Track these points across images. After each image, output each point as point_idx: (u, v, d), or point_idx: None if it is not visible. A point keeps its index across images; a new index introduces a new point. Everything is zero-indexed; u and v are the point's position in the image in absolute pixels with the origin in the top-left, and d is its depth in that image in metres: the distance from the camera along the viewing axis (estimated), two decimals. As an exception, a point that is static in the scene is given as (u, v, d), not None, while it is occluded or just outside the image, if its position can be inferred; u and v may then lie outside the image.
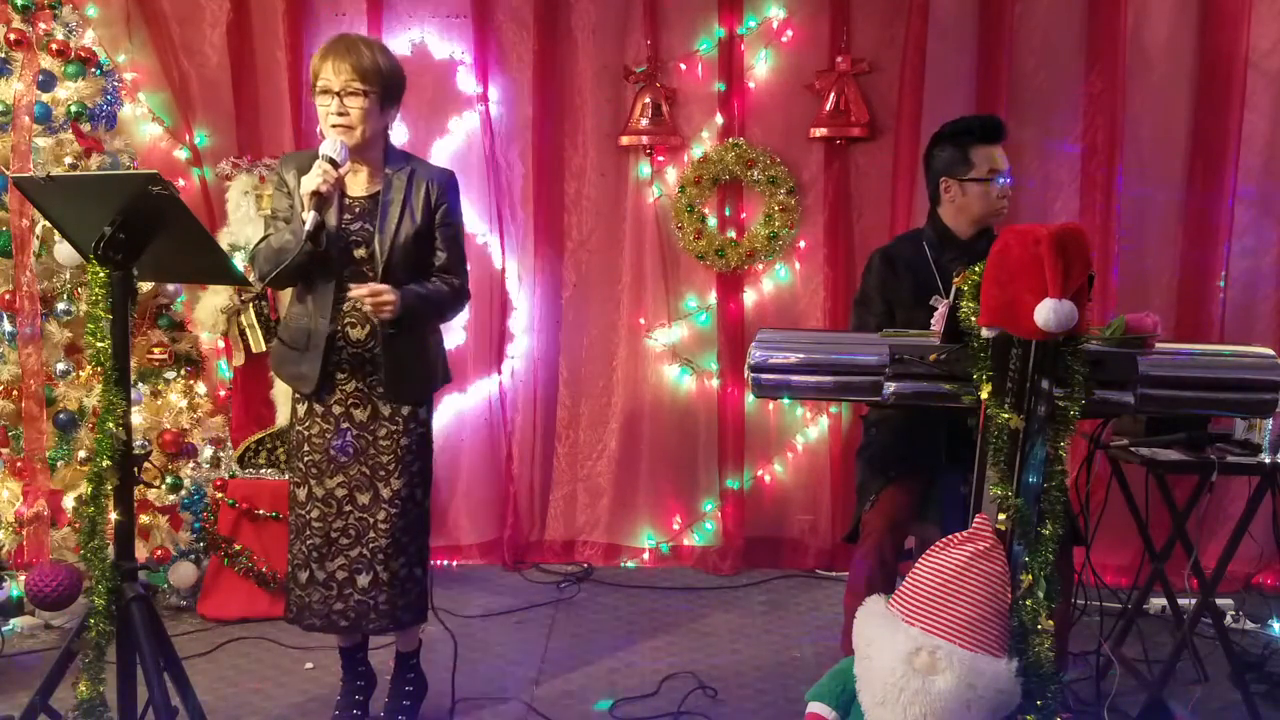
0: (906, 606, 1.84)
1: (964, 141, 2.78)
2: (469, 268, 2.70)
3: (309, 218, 2.34)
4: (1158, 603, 3.52)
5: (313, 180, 2.35)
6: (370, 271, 2.51)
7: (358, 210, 2.53)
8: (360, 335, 2.53)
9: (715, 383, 4.19)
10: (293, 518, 2.66)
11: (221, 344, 3.89)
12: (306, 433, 2.62)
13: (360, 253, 2.50)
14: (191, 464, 3.73)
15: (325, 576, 2.59)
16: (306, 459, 2.61)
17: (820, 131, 4.04)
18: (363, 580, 2.58)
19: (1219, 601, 3.34)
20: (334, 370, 2.56)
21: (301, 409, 2.63)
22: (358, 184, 2.56)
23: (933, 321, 2.12)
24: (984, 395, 1.87)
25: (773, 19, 4.05)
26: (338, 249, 2.50)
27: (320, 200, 2.35)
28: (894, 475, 2.71)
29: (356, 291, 2.42)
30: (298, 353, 2.57)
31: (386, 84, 2.46)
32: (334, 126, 2.43)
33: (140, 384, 3.62)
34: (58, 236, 2.26)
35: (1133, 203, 4.00)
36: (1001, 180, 2.78)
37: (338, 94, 2.42)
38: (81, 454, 3.46)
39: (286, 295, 3.68)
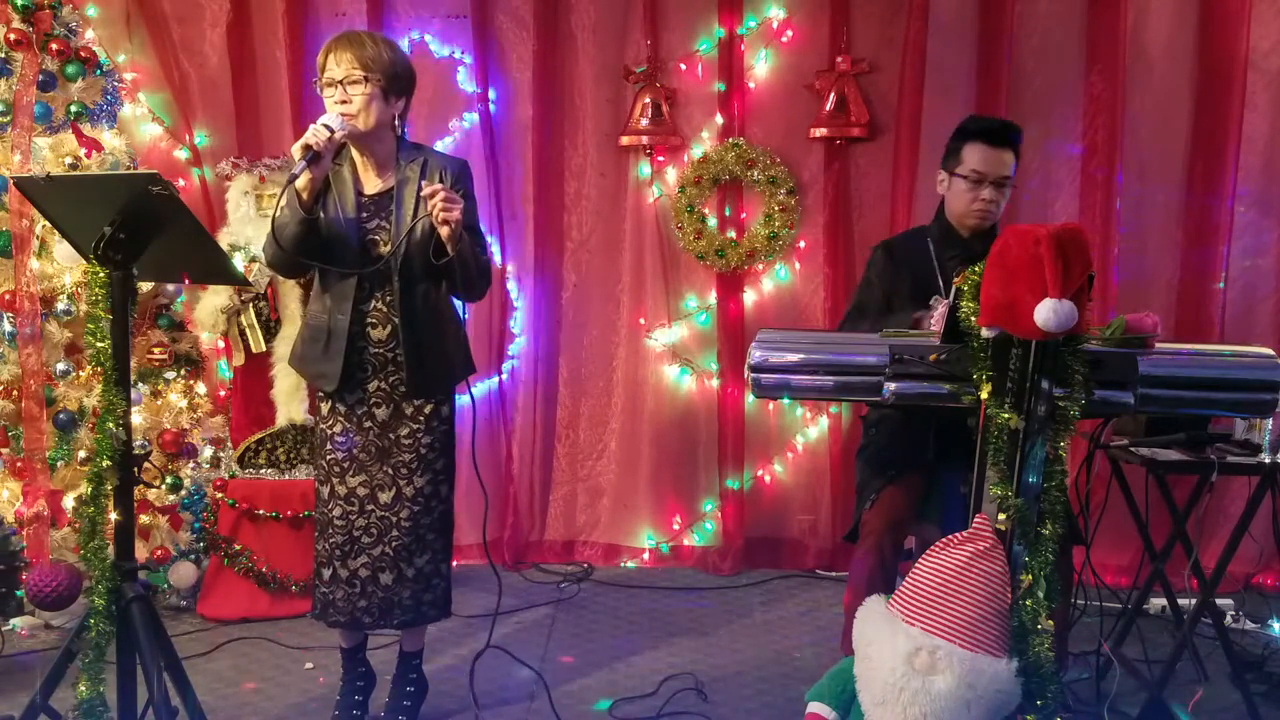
0: (906, 606, 1.84)
1: (965, 136, 2.76)
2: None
3: (296, 167, 2.35)
4: (1158, 603, 3.52)
5: (304, 138, 2.36)
6: (388, 266, 2.51)
7: (373, 207, 2.54)
8: (381, 335, 2.53)
9: (715, 383, 4.19)
10: (318, 514, 2.67)
11: (221, 344, 3.89)
12: (329, 431, 2.62)
13: (381, 250, 2.51)
14: (191, 464, 3.73)
15: (348, 575, 2.60)
16: (329, 457, 2.62)
17: (820, 131, 4.04)
18: (385, 578, 2.59)
19: (1219, 601, 3.35)
20: (354, 369, 2.56)
21: (325, 407, 2.64)
22: (371, 181, 2.57)
23: (932, 322, 2.12)
24: (984, 395, 1.87)
25: (773, 19, 4.05)
26: (356, 247, 2.51)
27: (311, 154, 2.35)
28: (893, 475, 2.71)
29: (430, 188, 2.38)
30: (319, 351, 2.57)
31: (389, 74, 2.47)
32: (340, 114, 2.45)
33: (140, 384, 3.62)
34: (58, 236, 2.26)
35: (1133, 203, 4.00)
36: (986, 188, 2.71)
37: (341, 83, 2.44)
38: (81, 454, 3.47)
39: (287, 296, 3.73)
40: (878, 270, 2.84)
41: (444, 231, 2.39)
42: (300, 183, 2.39)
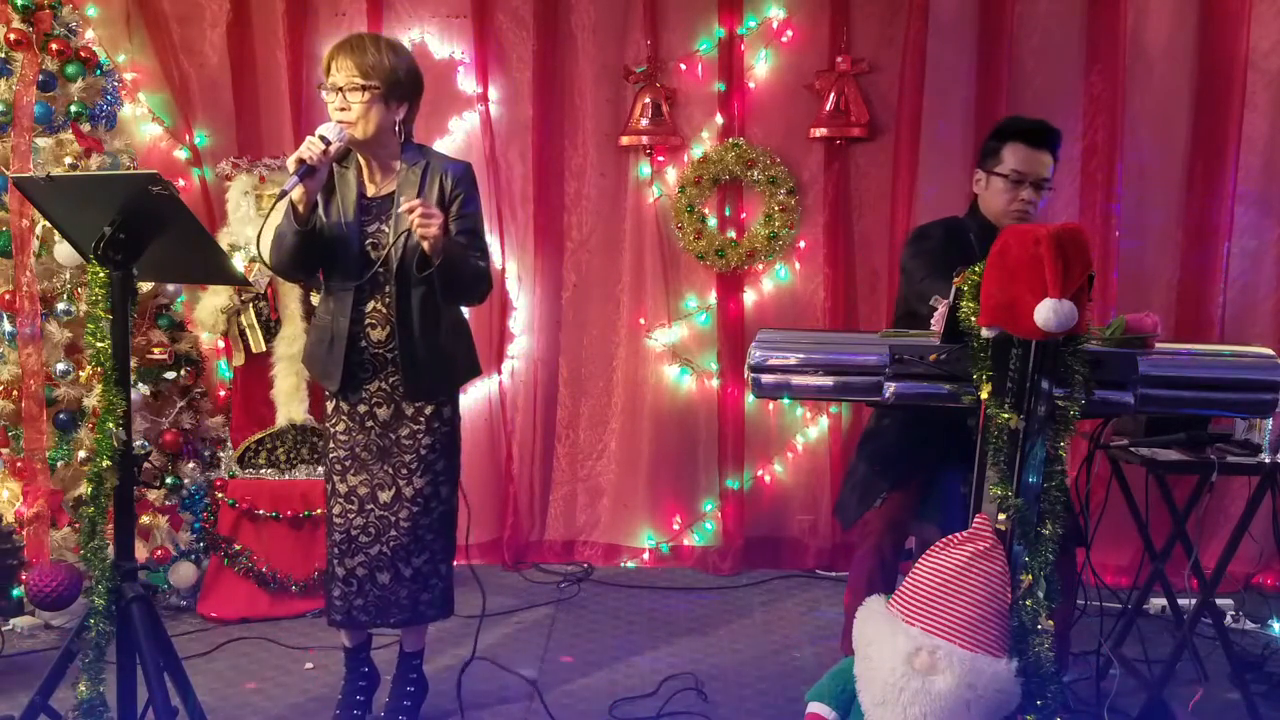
0: (906, 606, 1.84)
1: (1006, 135, 2.74)
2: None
3: (289, 182, 2.35)
4: (1158, 603, 3.52)
5: (298, 151, 2.36)
6: (384, 270, 2.51)
7: (374, 210, 2.54)
8: (380, 336, 2.54)
9: (715, 383, 4.19)
10: (326, 512, 2.68)
11: (221, 344, 3.89)
12: (333, 429, 2.64)
13: (378, 254, 2.51)
14: (191, 464, 3.73)
15: (345, 573, 2.61)
16: (331, 455, 2.64)
17: (820, 131, 4.04)
18: (382, 578, 2.60)
19: (1219, 601, 3.35)
20: (356, 369, 2.57)
21: (329, 406, 2.66)
22: (375, 183, 2.58)
23: (932, 322, 2.12)
24: (984, 395, 1.87)
25: (773, 19, 4.05)
26: (356, 249, 2.52)
27: (305, 168, 2.35)
28: (897, 478, 2.70)
29: (407, 204, 2.38)
30: (323, 351, 2.59)
31: (390, 81, 2.47)
32: (338, 122, 2.46)
33: (140, 384, 3.61)
34: (58, 236, 2.27)
35: (1133, 203, 4.00)
36: (1026, 188, 2.69)
37: (341, 90, 2.44)
38: (81, 454, 3.46)
39: (287, 296, 3.73)
40: (940, 244, 2.75)
41: (425, 246, 2.39)
42: (295, 195, 2.40)
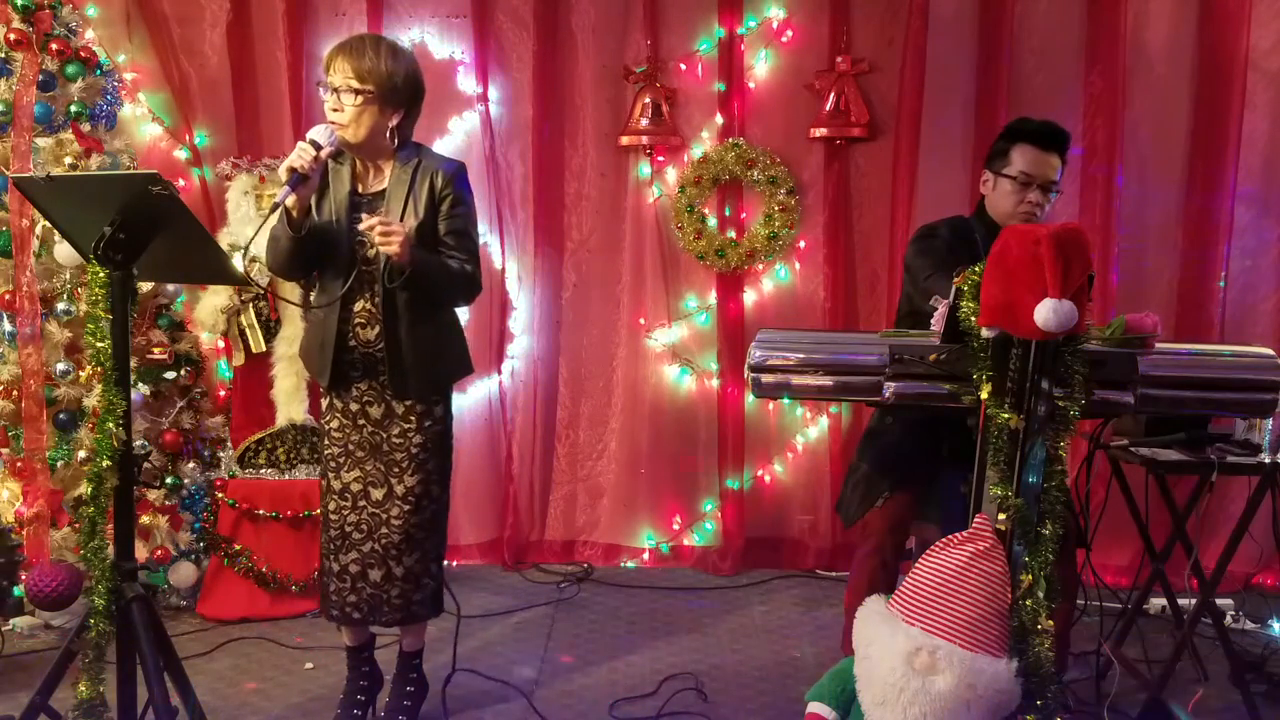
0: (906, 606, 1.84)
1: (1015, 137, 2.73)
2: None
3: (281, 192, 2.36)
4: (1158, 603, 3.52)
5: (289, 159, 2.37)
6: (369, 269, 2.51)
7: (365, 208, 2.55)
8: (369, 335, 2.54)
9: (715, 383, 4.19)
10: (322, 508, 2.69)
11: (221, 344, 3.89)
12: (327, 426, 2.66)
13: (370, 251, 2.51)
14: (191, 464, 3.73)
15: (339, 569, 2.63)
16: (326, 452, 2.65)
17: (820, 131, 4.04)
18: (375, 575, 2.61)
19: (1219, 601, 3.35)
20: (346, 368, 2.58)
21: (325, 403, 2.67)
22: (369, 181, 2.59)
23: (932, 322, 2.12)
24: (984, 395, 1.87)
25: (773, 19, 4.05)
26: (345, 248, 2.52)
27: (297, 177, 2.36)
28: (899, 479, 2.70)
29: (366, 223, 2.39)
30: (317, 348, 2.60)
31: (386, 86, 2.46)
32: (330, 123, 2.46)
33: (140, 384, 3.61)
34: (58, 236, 2.28)
35: (1133, 203, 4.00)
36: (1034, 190, 2.69)
37: (337, 90, 2.45)
38: (81, 454, 3.47)
39: (288, 296, 3.73)
40: (946, 243, 2.75)
41: (391, 260, 2.41)
42: (289, 201, 2.40)
